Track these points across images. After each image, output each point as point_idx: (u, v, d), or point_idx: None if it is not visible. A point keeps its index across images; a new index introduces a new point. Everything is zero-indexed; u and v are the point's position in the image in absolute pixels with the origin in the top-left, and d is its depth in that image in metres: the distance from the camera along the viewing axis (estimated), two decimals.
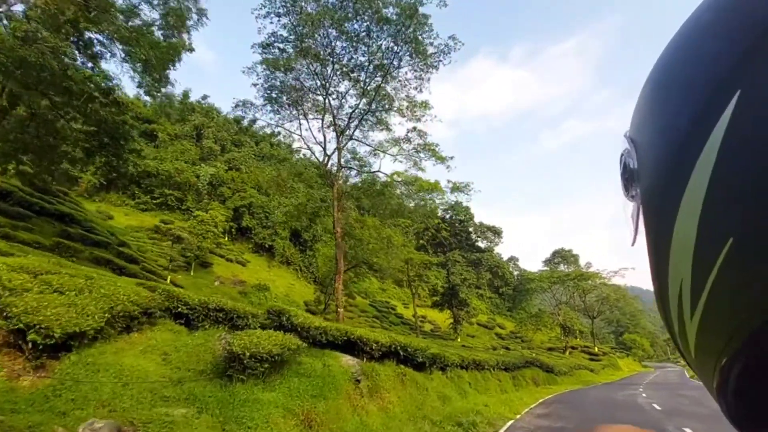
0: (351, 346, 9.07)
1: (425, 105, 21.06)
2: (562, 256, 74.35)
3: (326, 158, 22.81)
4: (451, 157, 22.84)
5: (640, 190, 0.38)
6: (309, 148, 23.40)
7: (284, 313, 8.53)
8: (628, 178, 0.41)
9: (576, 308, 61.61)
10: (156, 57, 19.38)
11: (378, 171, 22.23)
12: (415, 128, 21.54)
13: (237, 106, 22.09)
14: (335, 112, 23.67)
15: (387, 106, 22.76)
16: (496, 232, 49.42)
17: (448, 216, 51.23)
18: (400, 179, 21.24)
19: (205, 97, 77.77)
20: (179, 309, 8.02)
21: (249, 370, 5.94)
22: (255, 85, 21.61)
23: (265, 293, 46.83)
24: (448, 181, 22.38)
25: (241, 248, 56.37)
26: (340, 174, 22.34)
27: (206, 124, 64.46)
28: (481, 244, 48.56)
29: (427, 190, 20.14)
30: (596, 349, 59.35)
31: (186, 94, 77.24)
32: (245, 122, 23.89)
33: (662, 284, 0.35)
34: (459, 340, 50.93)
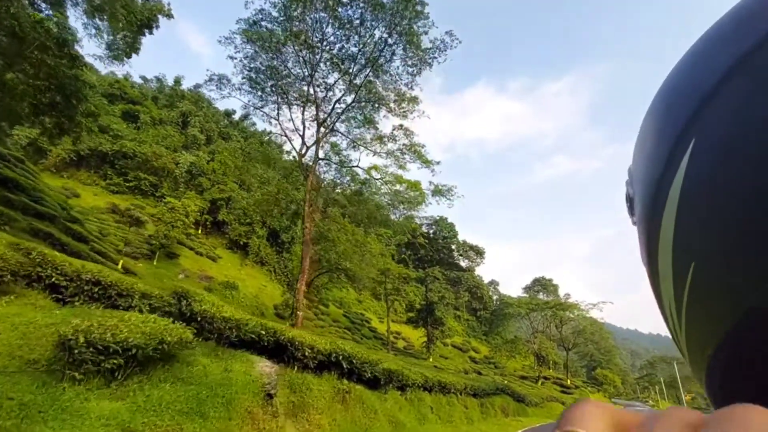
0: (280, 350, 7.15)
1: (414, 100, 19.58)
2: (542, 284, 73.32)
3: (304, 148, 21.04)
4: (437, 162, 21.39)
5: (636, 217, 0.43)
6: (286, 135, 21.59)
7: (187, 296, 6.55)
8: (630, 206, 0.45)
9: (552, 338, 60.15)
10: (127, 15, 17.56)
11: (357, 166, 20.54)
12: (401, 126, 20.02)
13: (211, 80, 20.28)
14: (320, 103, 22.05)
15: (375, 103, 21.21)
16: (479, 252, 48.00)
17: (431, 231, 49.69)
18: (378, 176, 19.57)
19: (197, 86, 75.48)
20: (54, 279, 6.02)
21: (86, 366, 4.03)
22: (233, 58, 19.81)
23: (233, 292, 44.21)
24: (430, 183, 20.81)
25: (214, 243, 53.64)
26: (316, 167, 20.55)
27: (194, 113, 62.23)
28: (463, 263, 47.05)
29: (407, 189, 18.41)
30: (569, 381, 57.73)
31: (178, 81, 75.17)
32: (219, 100, 21.95)
33: (659, 301, 0.40)
34: (431, 359, 48.73)
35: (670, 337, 0.42)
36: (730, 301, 0.30)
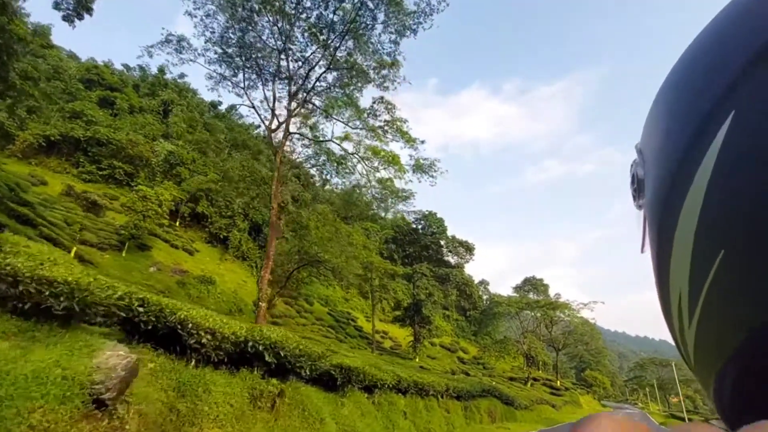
0: (172, 338, 5.02)
1: (396, 64, 17.42)
2: (532, 284, 71.68)
3: (275, 123, 18.80)
4: (422, 141, 19.26)
5: (645, 200, 0.39)
6: (254, 107, 19.32)
7: None
8: (636, 188, 0.42)
9: (542, 338, 58.48)
10: None
11: (331, 140, 18.37)
12: (382, 98, 17.92)
13: (167, 41, 17.94)
14: (294, 75, 19.84)
15: (356, 79, 19.02)
16: (468, 248, 46.07)
17: (420, 226, 47.68)
18: (352, 148, 17.33)
19: (182, 75, 72.75)
20: None
21: None
22: (191, 16, 17.41)
23: (209, 287, 41.66)
24: (410, 157, 18.70)
25: (193, 236, 51.01)
26: (287, 142, 18.35)
27: (176, 101, 59.52)
28: (452, 259, 45.11)
29: (385, 163, 16.26)
30: (558, 383, 56.04)
31: (162, 69, 72.31)
32: (175, 69, 19.41)
33: (665, 293, 0.36)
34: (417, 360, 46.66)
35: (672, 336, 0.38)
36: (759, 301, 0.26)
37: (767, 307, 0.26)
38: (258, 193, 21.09)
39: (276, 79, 18.50)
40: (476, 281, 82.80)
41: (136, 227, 36.74)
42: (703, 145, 0.30)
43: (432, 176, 18.55)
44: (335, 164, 18.59)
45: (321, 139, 17.94)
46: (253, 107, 18.96)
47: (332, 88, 19.92)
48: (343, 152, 18.52)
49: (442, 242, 46.92)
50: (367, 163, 17.83)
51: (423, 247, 46.38)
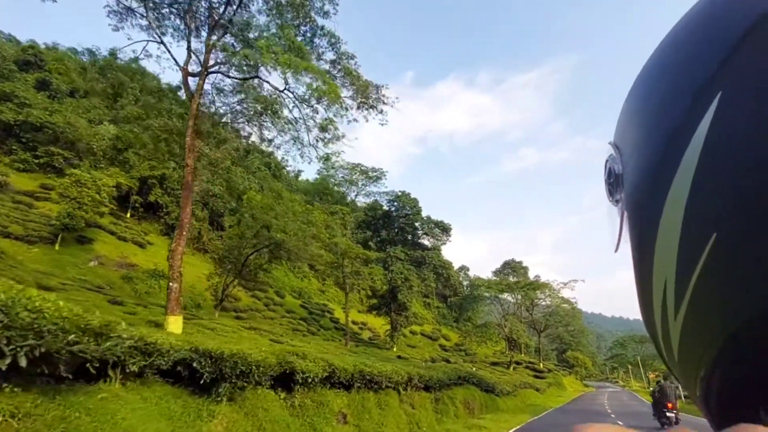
0: None
1: None
2: (512, 267, 69.80)
3: (191, 63, 14.92)
4: (384, 86, 15.42)
5: (624, 194, 0.38)
6: (162, 43, 15.33)
7: None
8: (613, 182, 0.41)
9: (523, 321, 56.44)
10: None
11: (257, 76, 14.59)
12: (323, 28, 14.29)
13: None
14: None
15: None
16: (444, 229, 43.21)
17: (393, 209, 44.41)
18: (280, 72, 13.55)
19: (135, 59, 66.56)
20: None
21: None
22: None
23: (160, 281, 37.28)
24: (352, 85, 14.77)
25: (147, 228, 46.28)
26: (203, 84, 14.52)
27: (127, 84, 54.06)
28: (428, 242, 42.19)
29: (317, 92, 12.64)
30: (541, 365, 54.16)
31: (113, 52, 66.17)
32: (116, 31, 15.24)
33: (646, 287, 0.35)
34: (395, 349, 43.64)
35: (651, 332, 0.37)
36: (755, 287, 0.25)
37: (764, 293, 0.25)
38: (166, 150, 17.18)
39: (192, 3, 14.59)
40: (456, 267, 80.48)
41: (71, 217, 32.03)
42: (688, 130, 0.29)
43: (381, 111, 14.95)
44: (269, 113, 14.94)
45: (246, 69, 14.21)
46: (163, 43, 15.07)
47: (259, 17, 15.77)
48: (274, 92, 14.82)
49: (417, 224, 43.84)
50: (305, 106, 14.30)
51: (397, 230, 43.17)
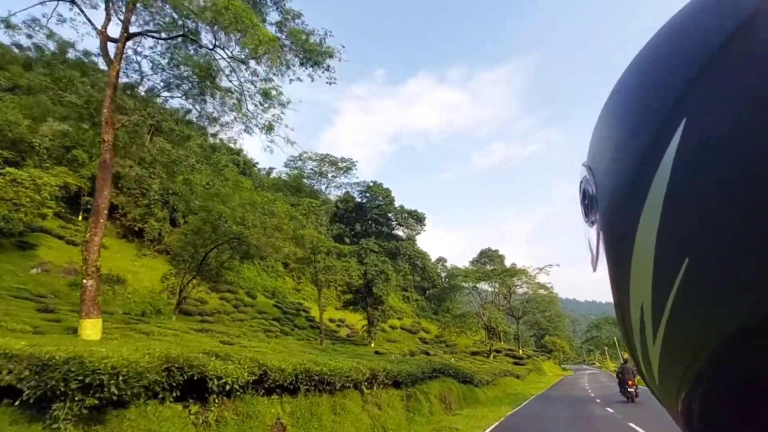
0: None
1: None
2: (488, 256, 69.44)
3: (108, 21, 12.61)
4: (328, 33, 13.23)
5: (599, 215, 0.38)
6: (74, 3, 12.96)
7: None
8: (588, 204, 0.41)
9: (501, 308, 56.01)
10: None
11: (184, 35, 12.35)
12: None
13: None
14: None
15: None
16: (418, 218, 41.85)
17: (365, 200, 42.68)
18: (213, 44, 11.57)
19: (87, 54, 62.07)
20: None
21: None
22: None
23: (115, 287, 34.23)
24: (291, 33, 12.65)
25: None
26: (123, 47, 12.28)
27: (76, 79, 49.81)
28: (402, 233, 40.68)
29: (253, 43, 10.61)
30: (521, 352, 53.88)
31: (62, 49, 61.47)
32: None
33: (624, 308, 0.35)
34: (373, 345, 42.05)
35: (632, 356, 0.36)
36: (730, 305, 0.25)
37: (740, 311, 0.25)
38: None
39: None
40: (434, 260, 79.60)
41: (6, 220, 28.66)
42: (657, 154, 0.29)
43: (327, 67, 12.91)
44: (207, 84, 12.86)
45: (171, 33, 12.09)
46: (75, 3, 12.69)
47: None
48: (205, 54, 12.70)
49: (391, 214, 42.28)
50: (242, 69, 12.32)
51: (370, 221, 41.48)
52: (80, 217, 41.40)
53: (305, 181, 41.27)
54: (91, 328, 10.46)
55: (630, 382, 16.93)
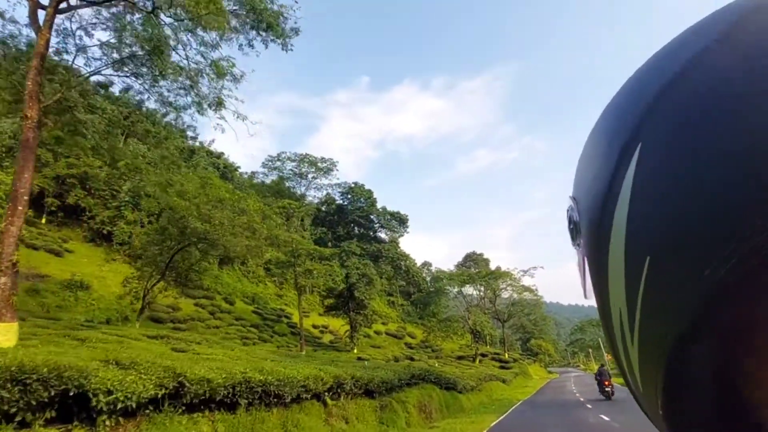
0: None
1: None
2: (473, 259, 68.73)
3: None
4: (293, 4, 11.81)
5: (582, 239, 0.42)
6: None
7: None
8: (573, 229, 0.45)
9: (486, 311, 55.01)
10: None
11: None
12: None
13: None
14: None
15: None
16: (401, 220, 40.59)
17: (346, 202, 41.26)
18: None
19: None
20: None
21: None
22: None
23: (78, 293, 31.85)
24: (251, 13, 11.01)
25: (68, 234, 40.11)
26: (54, 12, 10.72)
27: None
28: (385, 235, 39.32)
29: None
30: (506, 355, 52.88)
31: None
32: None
33: (607, 320, 0.38)
34: (356, 351, 40.40)
35: (618, 365, 0.39)
36: (686, 291, 0.28)
37: (691, 303, 0.28)
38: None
39: None
40: (419, 264, 78.40)
41: None
42: (620, 177, 0.34)
43: (283, 36, 11.34)
44: (154, 57, 11.33)
45: None
46: None
47: None
48: (144, 18, 11.17)
49: (373, 217, 40.91)
50: (191, 39, 10.89)
51: (352, 224, 40.02)
52: (43, 220, 38.76)
53: (287, 182, 39.64)
54: (4, 333, 8.77)
55: (606, 383, 19.66)
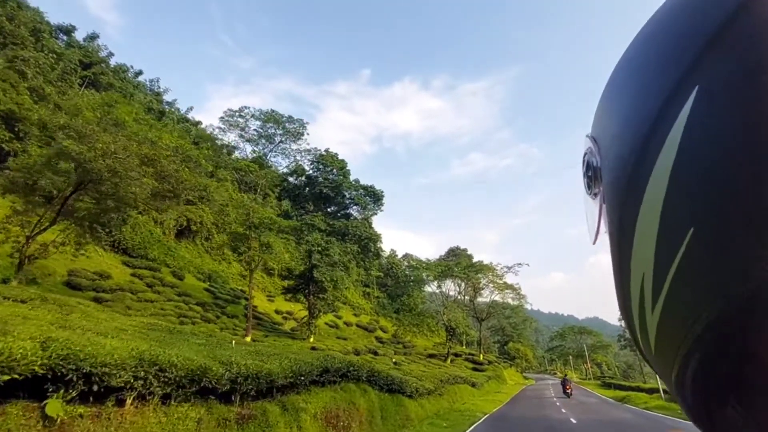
0: None
1: None
2: (456, 254, 64.43)
3: None
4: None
5: (602, 187, 0.38)
6: None
7: None
8: (591, 175, 0.40)
9: (465, 308, 50.63)
10: None
11: None
12: None
13: None
14: None
15: None
16: (375, 196, 35.78)
17: (317, 173, 36.27)
18: None
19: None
20: None
21: None
22: None
23: None
24: None
25: None
26: None
27: None
28: (357, 213, 34.52)
29: None
30: (481, 357, 48.59)
31: None
32: None
33: (624, 279, 0.35)
34: (312, 339, 35.62)
35: (628, 325, 0.36)
36: (734, 273, 0.25)
37: (741, 282, 0.25)
38: None
39: None
40: (400, 256, 73.76)
41: None
42: (666, 123, 0.28)
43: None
44: None
45: None
46: None
47: None
48: None
49: (347, 193, 36.00)
50: None
51: (323, 200, 35.04)
52: None
53: (248, 146, 34.51)
54: None
55: (568, 387, 28.33)
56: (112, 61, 57.83)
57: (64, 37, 55.28)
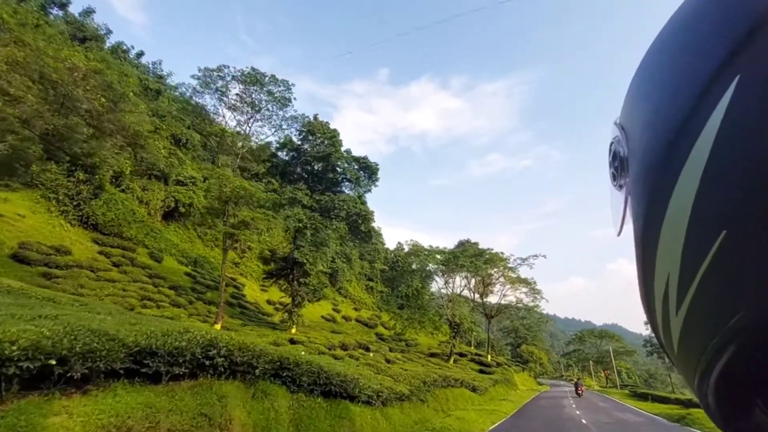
0: None
1: None
2: (466, 248, 59.42)
3: None
4: None
5: (629, 179, 0.36)
6: None
7: None
8: (618, 166, 0.38)
9: (473, 303, 45.64)
10: None
11: None
12: None
13: None
14: None
15: None
16: (369, 170, 31.56)
17: (306, 144, 32.24)
18: None
19: None
20: None
21: None
22: None
23: None
24: None
25: None
26: None
27: None
28: (351, 192, 30.54)
29: None
30: (489, 357, 43.55)
31: None
32: None
33: (647, 277, 0.33)
34: (294, 330, 31.63)
35: (652, 325, 0.35)
36: (764, 283, 0.24)
37: None
38: None
39: None
40: (402, 243, 69.15)
41: None
42: (702, 113, 0.26)
43: None
44: None
45: None
46: None
47: None
48: None
49: (338, 167, 31.89)
50: None
51: (311, 174, 30.96)
52: None
53: (229, 113, 30.81)
54: None
55: (580, 390, 33.92)
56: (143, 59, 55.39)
57: (59, 13, 52.86)
